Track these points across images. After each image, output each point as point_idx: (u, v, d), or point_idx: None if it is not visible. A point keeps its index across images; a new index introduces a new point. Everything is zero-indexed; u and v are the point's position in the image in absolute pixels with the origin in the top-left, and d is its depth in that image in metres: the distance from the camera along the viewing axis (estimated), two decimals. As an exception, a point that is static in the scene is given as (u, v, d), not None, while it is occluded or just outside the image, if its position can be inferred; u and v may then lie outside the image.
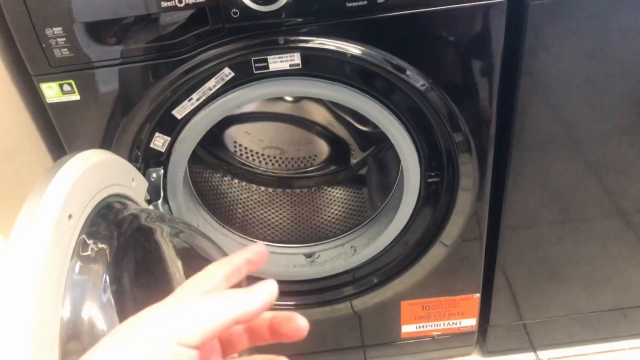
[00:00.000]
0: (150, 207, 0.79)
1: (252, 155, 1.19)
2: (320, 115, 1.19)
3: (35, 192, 0.54)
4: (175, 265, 0.76)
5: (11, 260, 0.49)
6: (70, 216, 0.55)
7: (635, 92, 0.83)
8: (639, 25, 0.76)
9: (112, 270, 0.60)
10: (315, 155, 1.22)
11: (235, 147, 1.18)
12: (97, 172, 0.62)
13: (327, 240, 1.03)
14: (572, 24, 0.75)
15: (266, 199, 1.19)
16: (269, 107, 1.14)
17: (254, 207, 1.16)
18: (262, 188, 1.21)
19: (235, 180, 1.18)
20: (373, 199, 1.10)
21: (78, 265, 0.56)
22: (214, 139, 1.14)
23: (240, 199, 1.17)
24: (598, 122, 0.86)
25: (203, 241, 0.82)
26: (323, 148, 1.22)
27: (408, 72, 0.77)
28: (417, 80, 0.77)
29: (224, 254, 0.82)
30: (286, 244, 1.05)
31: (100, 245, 0.59)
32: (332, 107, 1.17)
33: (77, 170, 0.57)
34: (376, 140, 1.18)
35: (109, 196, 0.65)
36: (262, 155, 1.20)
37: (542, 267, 1.06)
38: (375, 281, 1.02)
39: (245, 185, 1.19)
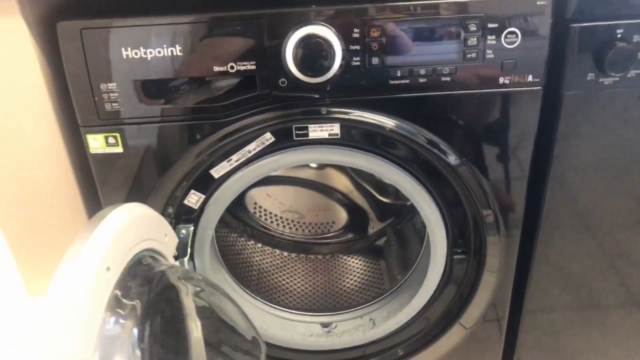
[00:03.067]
0: (177, 263, 0.79)
1: (270, 218, 1.20)
2: (341, 183, 1.20)
3: (77, 242, 0.54)
4: (194, 323, 0.75)
5: (51, 311, 0.48)
6: (108, 268, 0.55)
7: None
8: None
9: (141, 327, 0.59)
10: (334, 222, 1.22)
11: (255, 208, 1.18)
12: (135, 226, 0.62)
13: (345, 311, 1.01)
14: (604, 115, 0.78)
15: (280, 262, 1.18)
16: (293, 171, 1.16)
17: (269, 271, 1.15)
18: (277, 251, 1.20)
19: (251, 242, 1.18)
20: (392, 272, 1.09)
21: (112, 319, 0.55)
22: (236, 199, 1.15)
23: (255, 260, 1.17)
24: (621, 211, 0.87)
25: (224, 301, 0.81)
26: (341, 215, 1.23)
27: (442, 147, 0.78)
28: (450, 155, 0.79)
29: (245, 315, 0.81)
30: (302, 311, 1.03)
31: (132, 302, 0.59)
32: (354, 175, 1.19)
33: (118, 223, 0.58)
34: (395, 212, 1.19)
35: (143, 250, 0.66)
36: (281, 218, 1.20)
37: (559, 355, 1.04)
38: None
39: (261, 247, 1.19)
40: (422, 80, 0.73)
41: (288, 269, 1.17)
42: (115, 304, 0.58)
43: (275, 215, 1.20)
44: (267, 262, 1.17)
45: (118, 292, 0.58)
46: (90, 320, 0.50)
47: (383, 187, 1.19)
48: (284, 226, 1.21)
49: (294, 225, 1.22)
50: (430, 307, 0.93)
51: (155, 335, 0.64)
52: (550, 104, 0.77)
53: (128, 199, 0.79)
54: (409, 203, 1.16)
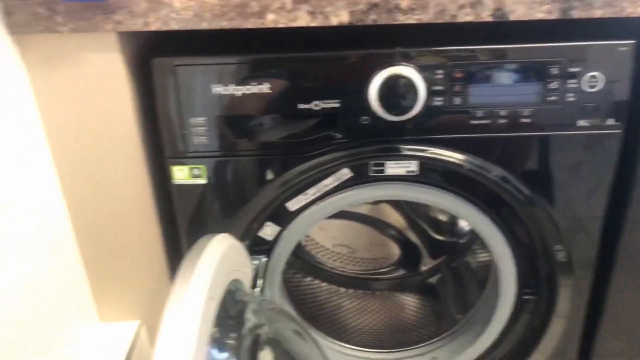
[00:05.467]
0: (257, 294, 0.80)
1: (321, 251, 1.20)
2: (394, 218, 1.20)
3: (184, 272, 0.55)
4: (268, 354, 0.75)
5: (165, 341, 0.49)
6: (211, 298, 0.56)
7: None
8: None
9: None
10: (385, 258, 1.22)
11: (307, 240, 1.19)
12: (229, 257, 0.64)
13: (407, 348, 1.00)
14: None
15: (331, 296, 1.18)
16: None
17: (324, 304, 1.15)
18: (325, 285, 1.20)
19: (299, 274, 1.18)
20: (450, 311, 1.08)
21: (213, 352, 0.56)
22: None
23: (308, 294, 1.17)
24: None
25: (297, 334, 0.81)
26: (394, 252, 1.22)
27: (518, 186, 0.78)
28: (526, 194, 0.79)
29: (321, 350, 0.80)
30: (362, 347, 1.02)
31: (230, 335, 0.60)
32: (409, 211, 1.19)
33: (219, 253, 0.59)
34: (448, 250, 1.18)
35: (232, 281, 0.67)
36: (332, 252, 1.21)
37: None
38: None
39: (310, 280, 1.19)
40: (501, 121, 0.74)
41: (338, 302, 1.17)
42: (214, 337, 0.58)
43: (327, 249, 1.20)
44: (321, 296, 1.17)
45: (217, 325, 0.59)
46: (199, 351, 0.51)
47: (437, 224, 1.19)
48: (334, 260, 1.21)
49: (344, 259, 1.22)
50: (496, 348, 0.92)
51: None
52: (631, 146, 0.77)
53: (205, 230, 0.80)
54: (462, 241, 1.16)
